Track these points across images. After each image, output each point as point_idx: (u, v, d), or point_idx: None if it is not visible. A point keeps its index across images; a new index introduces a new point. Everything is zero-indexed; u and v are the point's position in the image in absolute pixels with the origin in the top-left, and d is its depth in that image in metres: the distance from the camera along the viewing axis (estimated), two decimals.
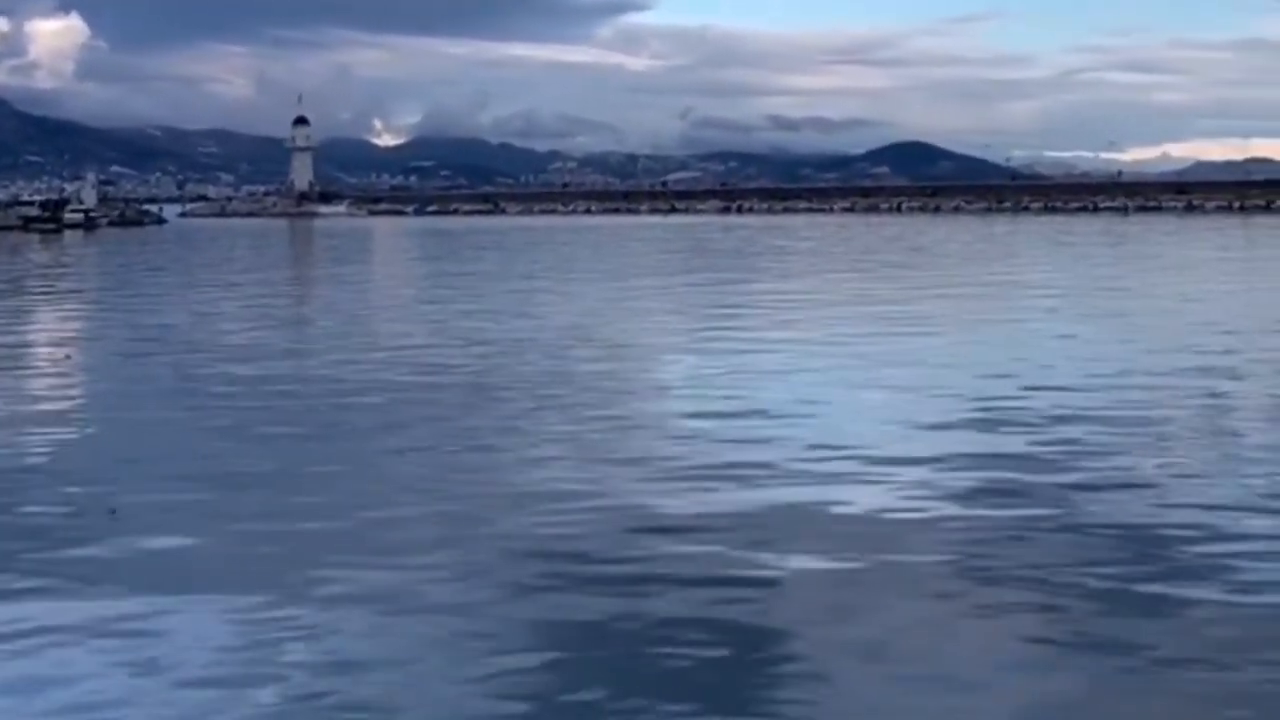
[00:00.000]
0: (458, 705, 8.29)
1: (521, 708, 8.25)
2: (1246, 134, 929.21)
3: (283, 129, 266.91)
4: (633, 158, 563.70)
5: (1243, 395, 20.80)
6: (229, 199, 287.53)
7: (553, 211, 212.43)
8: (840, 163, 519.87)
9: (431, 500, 13.81)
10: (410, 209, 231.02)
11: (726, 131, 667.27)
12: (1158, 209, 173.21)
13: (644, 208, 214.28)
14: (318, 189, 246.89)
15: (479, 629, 9.67)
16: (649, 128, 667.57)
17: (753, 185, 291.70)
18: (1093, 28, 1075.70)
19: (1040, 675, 8.84)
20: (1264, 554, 11.69)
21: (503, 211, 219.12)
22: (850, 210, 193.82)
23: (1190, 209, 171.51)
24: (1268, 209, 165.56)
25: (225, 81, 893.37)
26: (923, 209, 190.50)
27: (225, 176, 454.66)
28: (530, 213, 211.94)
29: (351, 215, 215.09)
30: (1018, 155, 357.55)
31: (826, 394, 21.47)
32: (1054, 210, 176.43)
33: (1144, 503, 13.62)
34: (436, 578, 10.99)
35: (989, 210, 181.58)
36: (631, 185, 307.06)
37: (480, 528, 12.67)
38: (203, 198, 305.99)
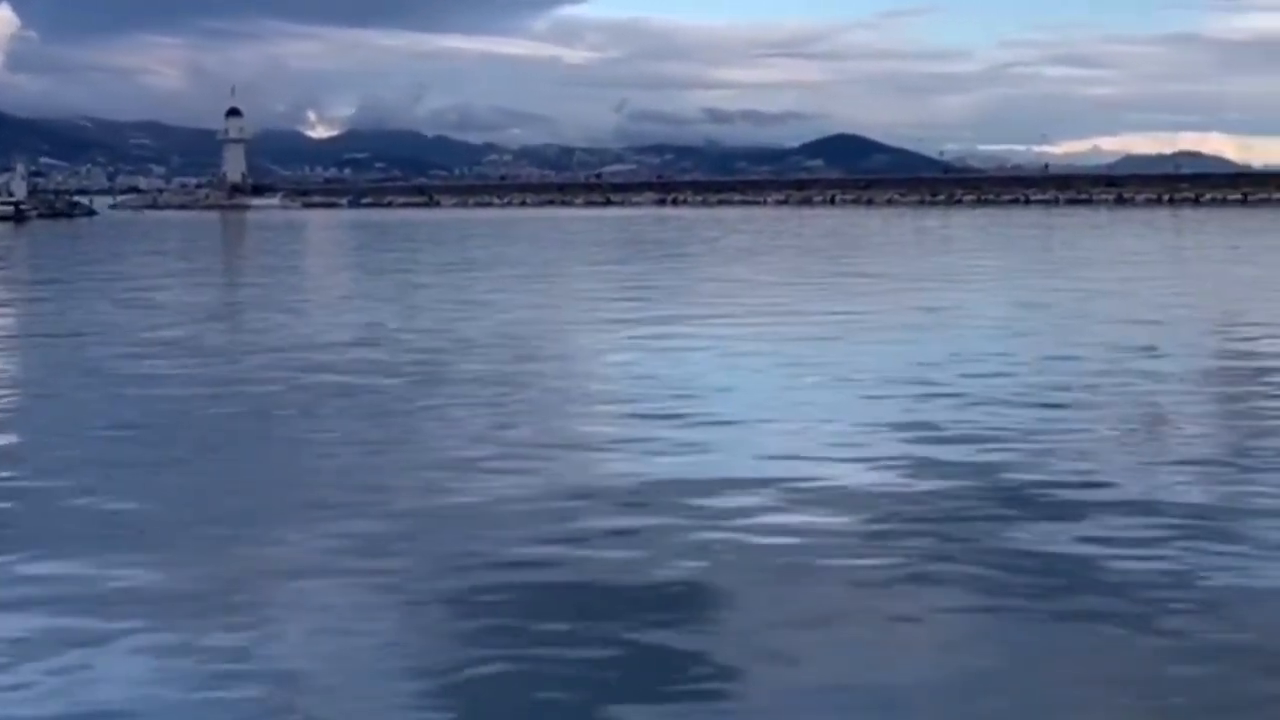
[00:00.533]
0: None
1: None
2: (1175, 128, 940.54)
3: (215, 121, 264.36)
4: (568, 150, 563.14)
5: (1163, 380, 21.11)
6: (160, 191, 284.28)
7: (488, 204, 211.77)
8: (775, 156, 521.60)
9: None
10: (344, 201, 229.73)
11: (662, 124, 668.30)
12: (1088, 202, 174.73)
13: (579, 200, 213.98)
14: (250, 181, 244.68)
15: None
16: (584, 120, 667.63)
17: (687, 178, 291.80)
18: (1026, 22, 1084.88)
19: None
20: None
21: (437, 204, 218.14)
22: (784, 203, 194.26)
23: (1120, 202, 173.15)
24: (1196, 202, 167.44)
25: (157, 73, 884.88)
26: (856, 202, 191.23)
27: (157, 168, 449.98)
28: (465, 205, 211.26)
29: (285, 208, 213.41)
30: (951, 148, 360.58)
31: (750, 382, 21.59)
32: (986, 203, 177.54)
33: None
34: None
35: (922, 203, 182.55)
36: (567, 178, 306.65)
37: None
38: (134, 189, 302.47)
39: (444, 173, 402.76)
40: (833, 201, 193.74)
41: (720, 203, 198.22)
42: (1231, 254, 59.98)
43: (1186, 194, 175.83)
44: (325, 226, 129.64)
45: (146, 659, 9.03)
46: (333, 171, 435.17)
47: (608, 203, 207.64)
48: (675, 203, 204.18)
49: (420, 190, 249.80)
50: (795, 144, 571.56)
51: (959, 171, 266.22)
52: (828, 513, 12.79)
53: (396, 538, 12.18)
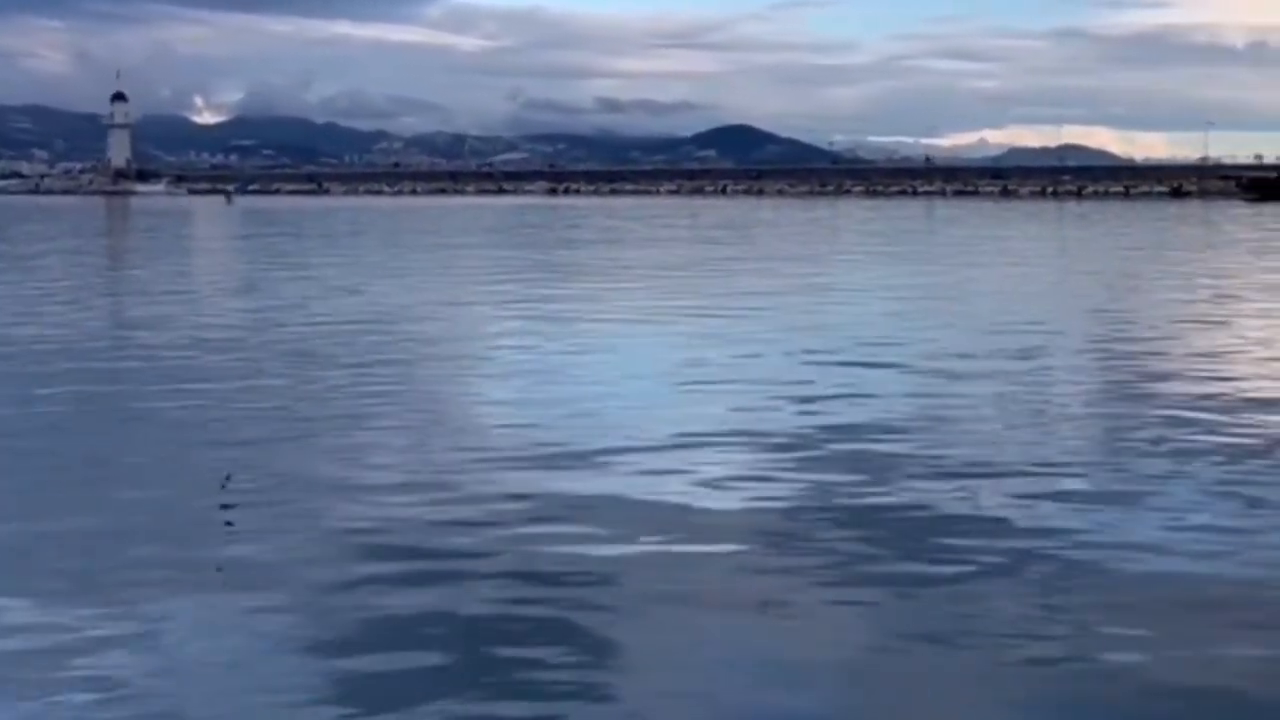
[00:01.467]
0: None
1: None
2: (1061, 121, 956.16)
3: (100, 105, 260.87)
4: (460, 139, 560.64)
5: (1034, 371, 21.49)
6: (43, 176, 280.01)
7: (379, 192, 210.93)
8: (668, 145, 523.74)
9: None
10: (231, 188, 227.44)
11: (555, 113, 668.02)
12: (975, 194, 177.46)
13: (471, 189, 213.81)
14: (136, 167, 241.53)
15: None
16: (477, 109, 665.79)
17: (581, 167, 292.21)
18: (915, 15, 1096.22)
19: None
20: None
21: (327, 192, 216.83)
22: (676, 193, 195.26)
23: (1005, 194, 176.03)
24: (1079, 195, 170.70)
25: (41, 56, 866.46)
26: (748, 192, 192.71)
27: (40, 153, 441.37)
28: (355, 193, 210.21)
29: (171, 194, 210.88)
30: (840, 140, 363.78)
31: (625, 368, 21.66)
32: (875, 194, 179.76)
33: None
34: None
35: (812, 193, 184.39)
36: (459, 166, 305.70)
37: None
38: (16, 175, 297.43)
39: (334, 160, 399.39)
40: (724, 192, 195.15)
41: (613, 192, 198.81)
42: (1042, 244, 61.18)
43: (1070, 187, 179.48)
44: (212, 214, 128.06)
45: None
46: (220, 158, 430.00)
47: (500, 191, 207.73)
48: (568, 192, 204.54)
49: (309, 178, 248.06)
50: (688, 134, 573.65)
51: (848, 163, 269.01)
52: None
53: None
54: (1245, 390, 18.51)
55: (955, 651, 8.63)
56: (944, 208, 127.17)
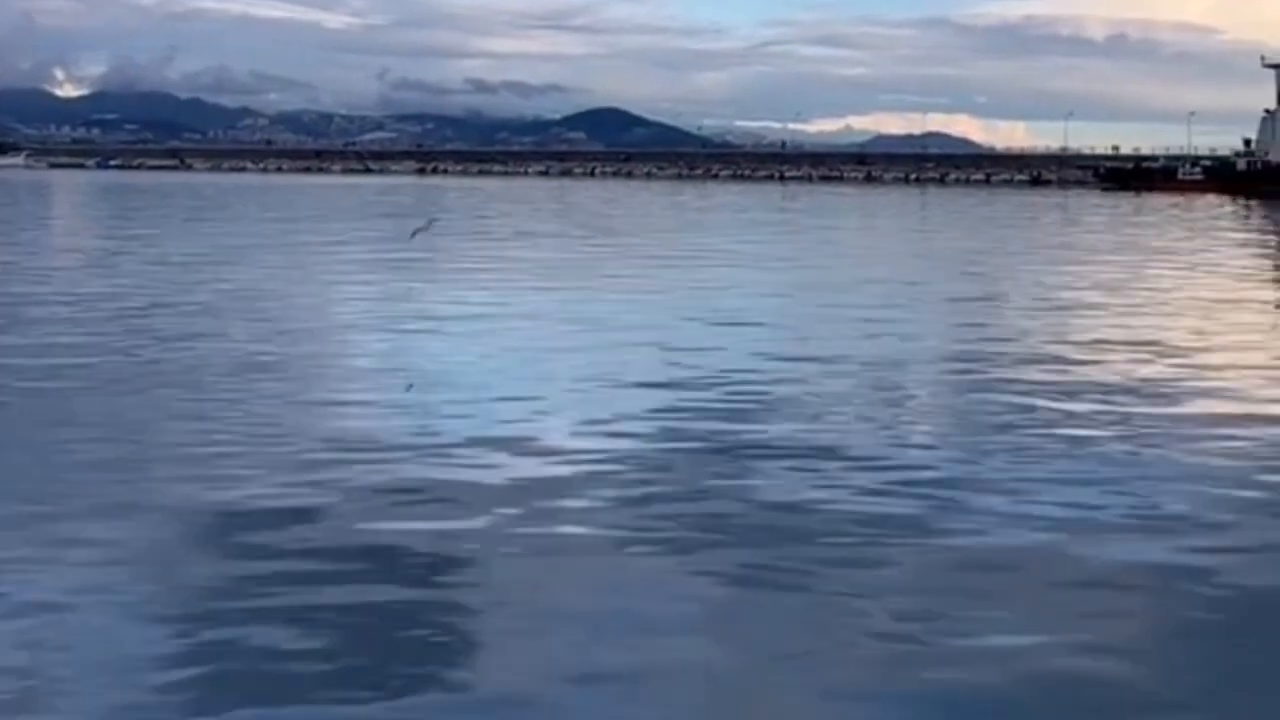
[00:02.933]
0: None
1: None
2: (925, 109, 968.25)
3: None
4: (327, 117, 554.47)
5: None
6: None
7: (242, 169, 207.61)
8: (537, 127, 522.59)
9: None
10: (92, 163, 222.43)
11: (424, 93, 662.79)
12: (839, 179, 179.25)
13: (337, 168, 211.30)
14: None
15: None
16: (345, 87, 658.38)
17: (449, 148, 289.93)
18: (784, 1, 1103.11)
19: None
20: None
21: (190, 168, 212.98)
22: (545, 174, 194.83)
23: (869, 180, 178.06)
24: (941, 182, 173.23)
25: None
26: (616, 175, 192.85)
27: None
28: (219, 170, 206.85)
29: (30, 168, 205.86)
30: (709, 124, 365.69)
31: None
32: (742, 178, 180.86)
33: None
34: None
35: (680, 177, 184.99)
36: (324, 145, 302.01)
37: None
38: None
39: (197, 136, 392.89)
40: (593, 174, 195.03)
41: (481, 173, 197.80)
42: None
43: (932, 174, 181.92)
44: (72, 188, 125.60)
45: None
46: (81, 131, 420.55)
47: (366, 170, 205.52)
48: (435, 172, 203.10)
49: (173, 153, 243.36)
50: (557, 116, 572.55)
51: (717, 147, 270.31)
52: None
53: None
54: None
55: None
56: (806, 194, 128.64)
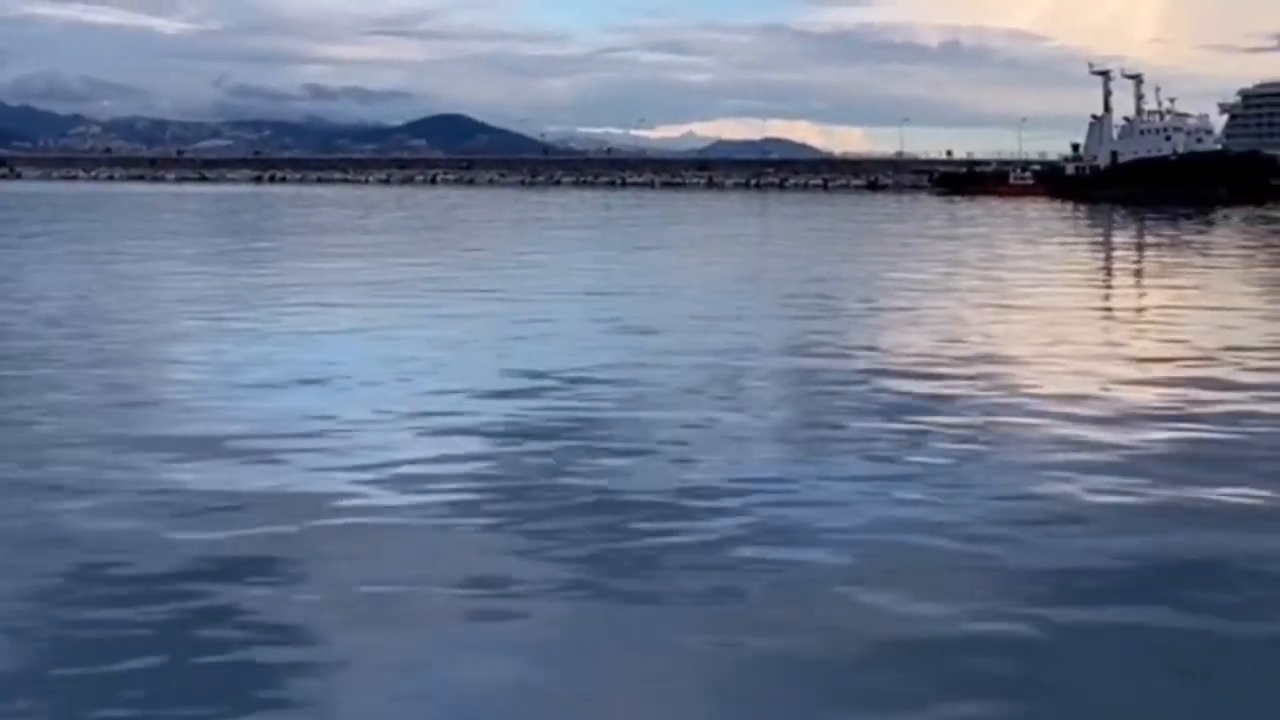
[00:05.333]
0: None
1: None
2: (765, 115, 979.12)
3: None
4: (162, 124, 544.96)
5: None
6: None
7: (74, 178, 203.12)
8: (378, 134, 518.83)
9: None
10: None
11: (262, 100, 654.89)
12: (681, 185, 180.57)
13: (171, 176, 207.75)
14: None
15: None
16: (180, 94, 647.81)
17: (288, 155, 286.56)
18: (626, 8, 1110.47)
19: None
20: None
21: (18, 176, 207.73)
22: (386, 182, 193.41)
23: (711, 185, 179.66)
24: (781, 187, 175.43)
25: None
26: (459, 181, 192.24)
27: None
28: (49, 179, 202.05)
29: None
30: (552, 130, 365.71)
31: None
32: (586, 184, 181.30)
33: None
34: None
35: (523, 184, 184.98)
36: (159, 152, 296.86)
37: None
38: None
39: (27, 144, 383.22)
40: (434, 182, 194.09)
41: (320, 180, 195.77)
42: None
43: (772, 179, 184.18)
44: None
45: None
46: None
47: (202, 179, 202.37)
48: (274, 180, 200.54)
49: (0, 162, 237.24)
50: (399, 122, 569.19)
51: (560, 153, 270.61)
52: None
53: None
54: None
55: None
56: (632, 199, 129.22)
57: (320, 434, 15.04)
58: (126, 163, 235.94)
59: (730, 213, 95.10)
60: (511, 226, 72.26)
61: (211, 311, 27.58)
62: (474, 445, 14.60)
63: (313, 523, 11.35)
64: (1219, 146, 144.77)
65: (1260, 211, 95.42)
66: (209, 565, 10.21)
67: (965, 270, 41.34)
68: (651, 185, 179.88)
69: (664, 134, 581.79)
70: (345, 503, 12.04)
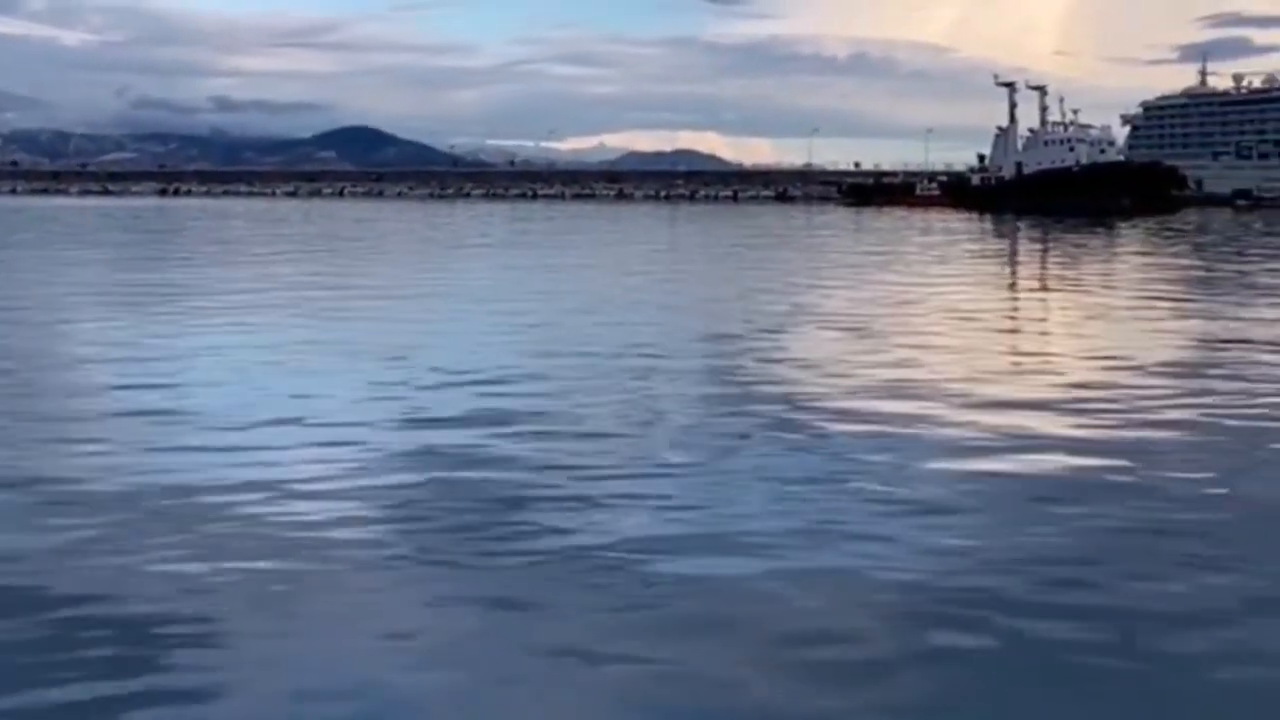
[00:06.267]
0: None
1: None
2: (675, 126, 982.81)
3: None
4: (64, 136, 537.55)
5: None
6: None
7: None
8: (285, 146, 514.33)
9: None
10: None
11: (167, 112, 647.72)
12: (591, 196, 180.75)
13: (74, 189, 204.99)
14: None
15: None
16: (83, 106, 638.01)
17: (193, 167, 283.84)
18: (534, 20, 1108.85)
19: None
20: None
21: None
22: (294, 195, 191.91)
23: (621, 197, 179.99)
24: (691, 198, 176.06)
25: None
26: (367, 194, 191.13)
27: None
28: None
29: None
30: (461, 142, 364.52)
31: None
32: (496, 197, 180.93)
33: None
34: None
35: (432, 196, 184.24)
36: (62, 165, 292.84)
37: None
38: None
39: None
40: (343, 194, 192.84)
41: (226, 193, 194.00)
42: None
43: (682, 191, 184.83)
44: None
45: None
46: None
47: (105, 192, 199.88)
48: (179, 193, 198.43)
49: None
50: (306, 135, 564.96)
51: (469, 166, 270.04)
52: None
53: None
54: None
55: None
56: (533, 210, 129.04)
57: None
58: (30, 175, 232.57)
59: (640, 227, 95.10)
60: (421, 243, 71.77)
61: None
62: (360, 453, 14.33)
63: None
64: (1121, 157, 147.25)
65: (1162, 221, 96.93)
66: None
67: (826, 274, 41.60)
68: (562, 197, 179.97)
69: (574, 146, 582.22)
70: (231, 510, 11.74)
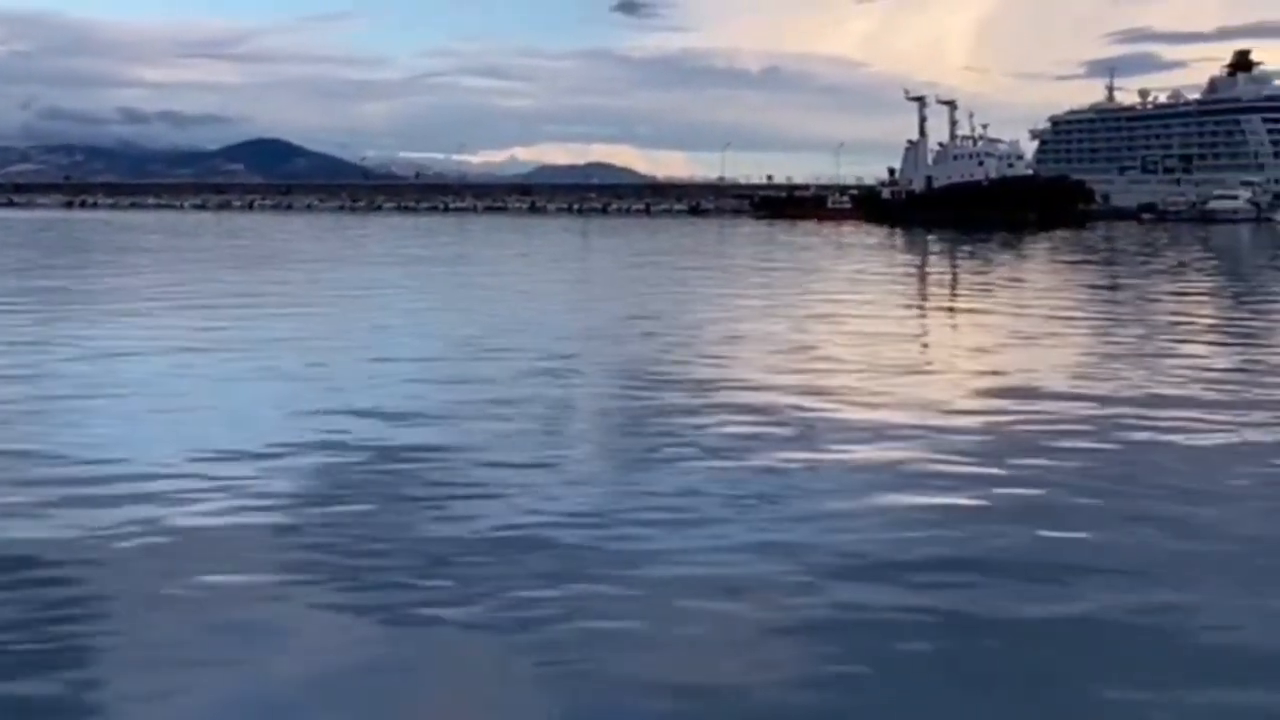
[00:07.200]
0: None
1: None
2: (588, 139, 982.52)
3: None
4: None
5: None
6: None
7: None
8: (194, 158, 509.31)
9: None
10: None
11: (73, 123, 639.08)
12: (504, 210, 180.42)
13: None
14: None
15: None
16: None
17: (100, 180, 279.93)
18: (446, 32, 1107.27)
19: None
20: None
21: None
22: (202, 208, 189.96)
23: (534, 210, 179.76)
24: (604, 211, 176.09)
25: None
26: (276, 207, 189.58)
27: None
28: None
29: None
30: (372, 155, 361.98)
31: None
32: (408, 210, 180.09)
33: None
34: None
35: (343, 209, 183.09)
36: None
37: None
38: None
39: None
40: (251, 207, 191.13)
41: (134, 206, 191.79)
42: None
43: (595, 203, 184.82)
44: None
45: None
46: None
47: (10, 204, 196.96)
48: (85, 205, 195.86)
49: None
50: (215, 147, 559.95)
51: (380, 178, 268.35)
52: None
53: None
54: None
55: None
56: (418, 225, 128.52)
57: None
58: None
59: (549, 242, 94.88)
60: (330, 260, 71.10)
61: None
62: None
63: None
64: (1029, 172, 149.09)
65: (1068, 235, 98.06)
66: None
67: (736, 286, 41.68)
68: (474, 210, 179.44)
69: (486, 159, 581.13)
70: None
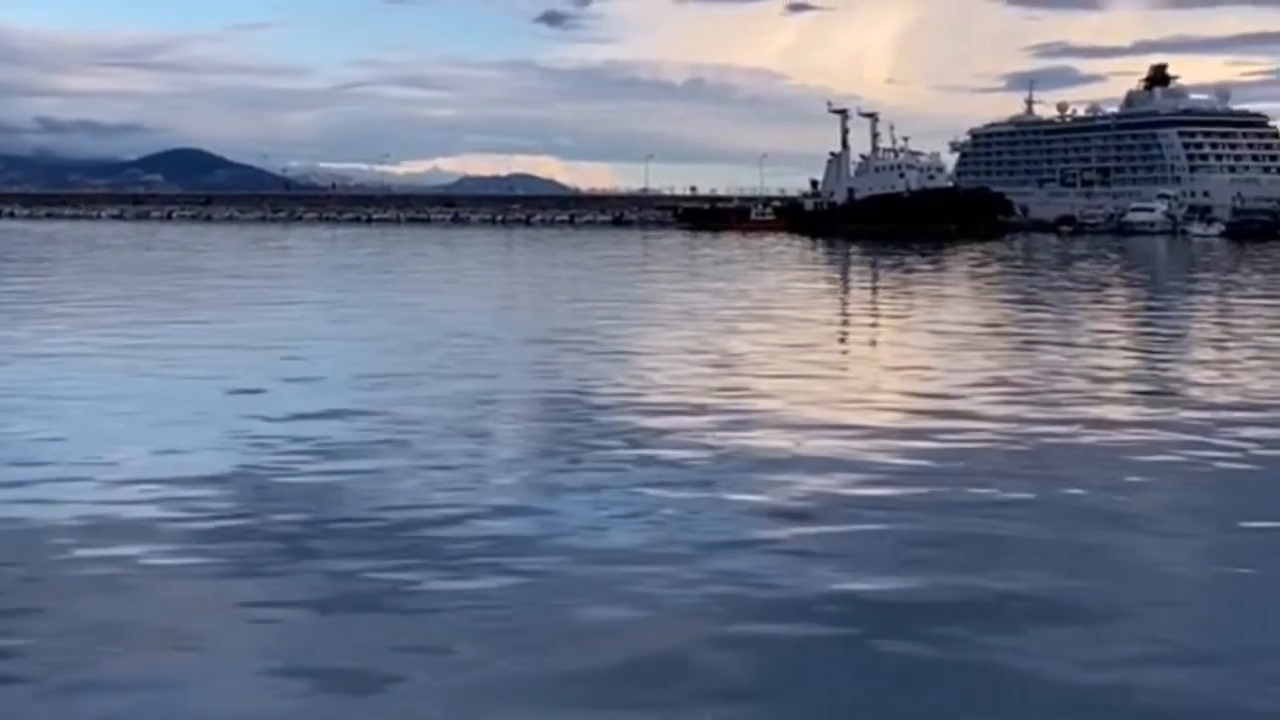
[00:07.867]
0: None
1: None
2: (511, 150, 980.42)
3: None
4: None
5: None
6: None
7: None
8: (112, 168, 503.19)
9: None
10: None
11: None
12: (427, 221, 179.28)
13: None
14: None
15: None
16: None
17: (16, 190, 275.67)
18: (369, 42, 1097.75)
19: None
20: None
21: None
22: (120, 218, 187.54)
23: (457, 221, 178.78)
24: (528, 223, 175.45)
25: None
26: (195, 218, 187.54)
27: None
28: None
29: None
30: (294, 165, 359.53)
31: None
32: (329, 220, 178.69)
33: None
34: None
35: (264, 220, 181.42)
36: None
37: None
38: None
39: None
40: (170, 217, 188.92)
41: (50, 216, 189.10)
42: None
43: (519, 215, 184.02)
44: None
45: None
46: None
47: None
48: (1, 216, 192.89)
49: None
50: (134, 157, 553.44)
51: (302, 189, 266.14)
52: None
53: None
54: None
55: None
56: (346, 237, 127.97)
57: None
58: None
59: (472, 254, 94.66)
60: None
61: None
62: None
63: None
64: (950, 183, 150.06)
65: (986, 247, 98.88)
66: None
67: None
68: (397, 221, 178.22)
69: (409, 169, 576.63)
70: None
